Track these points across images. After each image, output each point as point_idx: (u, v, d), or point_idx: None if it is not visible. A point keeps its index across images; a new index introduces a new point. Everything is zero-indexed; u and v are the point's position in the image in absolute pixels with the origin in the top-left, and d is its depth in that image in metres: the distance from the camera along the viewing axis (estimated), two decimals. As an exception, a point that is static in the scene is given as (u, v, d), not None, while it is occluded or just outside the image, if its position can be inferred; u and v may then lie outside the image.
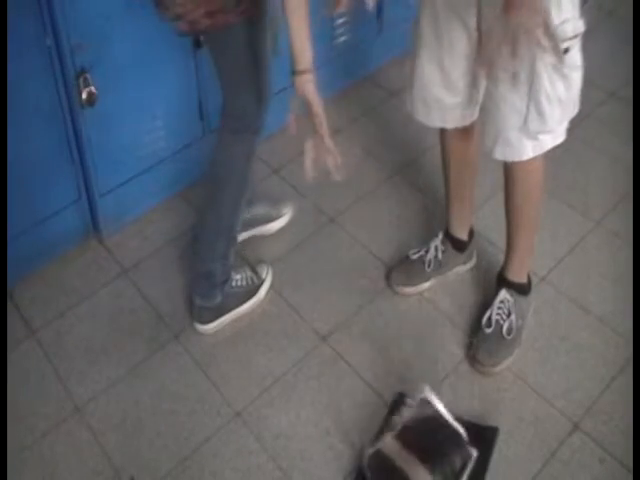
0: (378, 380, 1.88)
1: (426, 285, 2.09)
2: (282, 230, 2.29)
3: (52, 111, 1.99)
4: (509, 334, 1.89)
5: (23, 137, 1.93)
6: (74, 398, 1.89)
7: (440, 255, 2.08)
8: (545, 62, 1.51)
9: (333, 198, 2.39)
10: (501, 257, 2.02)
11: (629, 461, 1.69)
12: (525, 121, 1.63)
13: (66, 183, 2.14)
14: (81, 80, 1.94)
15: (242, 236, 2.11)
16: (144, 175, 2.28)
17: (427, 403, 1.68)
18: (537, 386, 1.86)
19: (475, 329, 1.95)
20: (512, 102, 1.62)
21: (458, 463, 1.63)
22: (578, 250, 2.20)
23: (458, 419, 1.76)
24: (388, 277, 2.12)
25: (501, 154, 1.72)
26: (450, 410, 1.79)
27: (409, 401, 1.71)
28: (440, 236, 2.10)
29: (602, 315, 2.02)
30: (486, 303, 1.97)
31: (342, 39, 2.65)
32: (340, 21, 2.60)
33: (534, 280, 2.01)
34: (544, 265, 2.13)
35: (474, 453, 1.64)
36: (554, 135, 1.68)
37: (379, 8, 2.70)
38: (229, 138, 1.89)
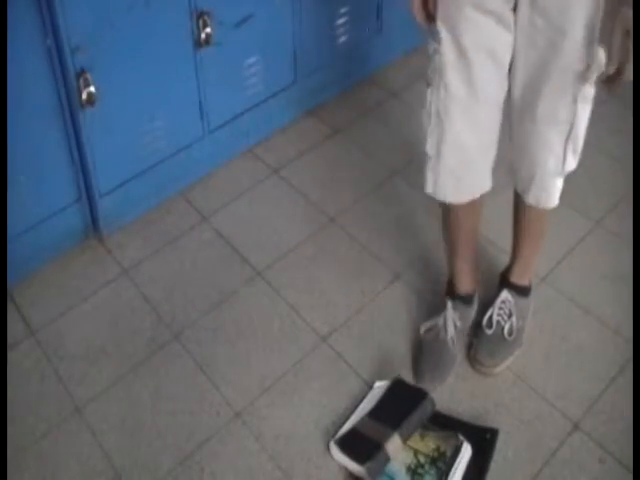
0: (378, 380, 1.88)
1: (455, 367, 1.89)
2: (282, 230, 2.29)
3: (52, 111, 1.99)
4: (510, 335, 1.89)
5: (23, 137, 1.93)
6: (74, 398, 1.88)
7: (459, 323, 1.90)
8: (583, 95, 1.49)
9: (333, 198, 2.39)
10: (502, 257, 2.02)
11: (629, 461, 1.69)
12: (563, 163, 1.59)
13: (66, 183, 2.14)
14: (81, 80, 1.94)
15: None
16: (144, 175, 2.28)
17: (398, 383, 1.82)
18: (537, 386, 1.86)
19: (475, 329, 1.95)
20: (551, 144, 1.56)
21: (424, 416, 1.73)
22: (578, 250, 2.20)
23: (458, 420, 1.77)
24: (418, 375, 1.87)
25: (535, 199, 1.68)
26: (450, 410, 1.80)
27: (377, 384, 1.84)
28: (449, 305, 1.91)
29: (602, 315, 2.02)
30: (486, 303, 1.97)
31: (342, 39, 2.65)
32: (340, 21, 2.60)
33: (534, 280, 2.01)
34: (544, 265, 2.12)
35: (430, 405, 1.75)
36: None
37: (379, 8, 2.70)
38: None
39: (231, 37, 2.27)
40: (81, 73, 1.94)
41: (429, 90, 1.56)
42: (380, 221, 2.32)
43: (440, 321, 1.91)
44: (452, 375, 1.88)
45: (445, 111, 1.54)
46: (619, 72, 1.34)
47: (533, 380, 1.87)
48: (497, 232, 1.95)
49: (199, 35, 2.16)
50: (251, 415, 1.83)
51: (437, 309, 1.95)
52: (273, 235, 2.28)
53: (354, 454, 1.68)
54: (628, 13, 1.27)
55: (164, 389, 1.90)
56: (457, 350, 1.90)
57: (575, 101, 1.49)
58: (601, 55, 1.42)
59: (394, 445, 1.67)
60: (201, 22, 2.14)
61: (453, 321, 1.89)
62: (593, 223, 2.27)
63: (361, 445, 1.70)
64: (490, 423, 1.78)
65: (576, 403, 1.82)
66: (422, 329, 1.93)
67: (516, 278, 1.94)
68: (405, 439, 1.70)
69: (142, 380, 1.92)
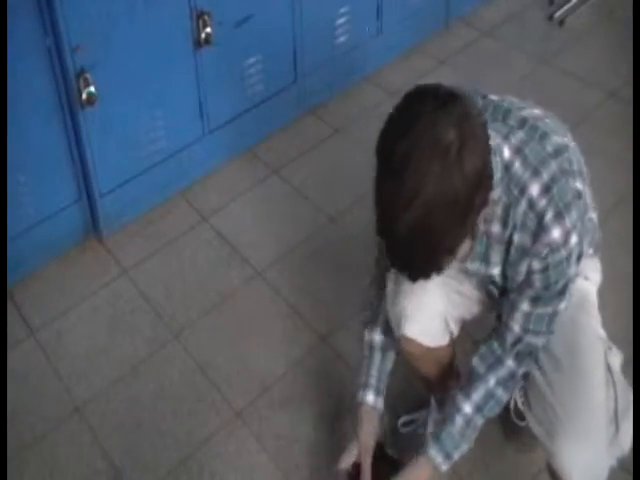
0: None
1: None
2: (282, 230, 2.29)
3: (52, 111, 1.99)
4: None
5: (23, 137, 1.94)
6: (74, 398, 1.89)
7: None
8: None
9: (333, 198, 2.39)
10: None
11: (629, 461, 1.69)
12: (617, 431, 1.41)
13: (66, 183, 2.14)
14: (81, 80, 1.94)
15: None
16: (144, 175, 2.28)
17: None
18: (537, 386, 1.86)
19: (507, 421, 1.70)
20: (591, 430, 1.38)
21: None
22: (578, 250, 2.19)
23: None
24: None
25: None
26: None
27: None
28: (433, 403, 1.72)
29: (602, 315, 2.01)
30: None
31: (342, 39, 2.65)
32: (340, 21, 2.60)
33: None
34: (544, 265, 2.12)
35: None
36: None
37: (379, 8, 2.70)
38: None
39: (231, 37, 2.27)
40: (81, 73, 1.94)
41: None
42: (380, 221, 2.32)
43: (421, 416, 1.74)
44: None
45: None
46: None
47: (533, 380, 1.87)
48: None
49: (199, 35, 2.16)
50: (251, 415, 1.84)
51: (418, 403, 1.79)
52: (273, 235, 2.28)
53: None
54: None
55: (164, 389, 1.90)
56: None
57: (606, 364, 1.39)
58: None
59: None
60: (201, 22, 2.14)
61: (435, 421, 1.64)
62: (593, 223, 2.27)
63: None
64: (491, 423, 1.78)
65: (576, 403, 1.82)
66: (400, 422, 1.77)
67: None
68: None
69: (142, 380, 1.92)
